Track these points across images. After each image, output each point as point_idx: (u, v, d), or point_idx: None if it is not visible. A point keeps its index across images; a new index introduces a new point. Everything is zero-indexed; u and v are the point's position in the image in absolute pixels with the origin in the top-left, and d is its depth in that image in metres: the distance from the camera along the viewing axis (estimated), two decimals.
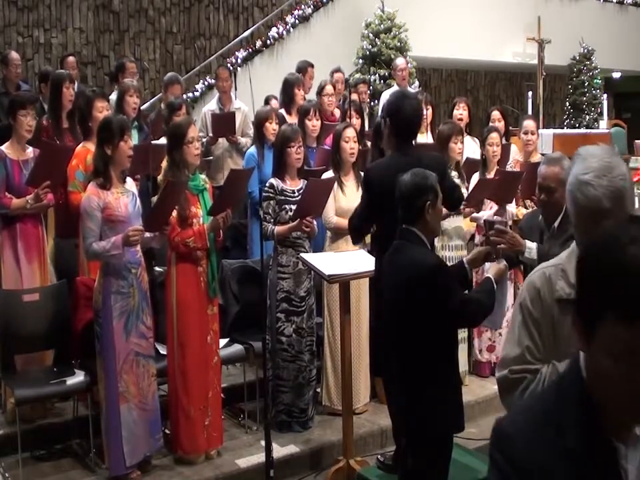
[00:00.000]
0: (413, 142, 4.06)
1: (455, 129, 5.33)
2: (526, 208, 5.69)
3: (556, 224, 3.42)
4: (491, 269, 3.33)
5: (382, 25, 9.85)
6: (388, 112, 3.93)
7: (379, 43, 9.75)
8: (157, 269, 4.77)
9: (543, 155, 6.55)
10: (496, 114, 6.27)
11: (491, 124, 6.11)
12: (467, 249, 5.58)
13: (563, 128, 12.35)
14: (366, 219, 3.99)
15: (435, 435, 3.12)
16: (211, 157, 6.24)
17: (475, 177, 5.51)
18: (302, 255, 4.42)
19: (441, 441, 3.17)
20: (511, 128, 6.54)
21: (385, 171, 3.69)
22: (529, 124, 5.91)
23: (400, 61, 7.89)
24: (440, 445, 3.16)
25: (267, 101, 6.97)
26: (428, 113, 6.07)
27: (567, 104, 13.02)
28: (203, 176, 4.42)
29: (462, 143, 5.48)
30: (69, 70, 6.70)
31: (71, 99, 5.26)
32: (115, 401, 3.96)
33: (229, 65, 8.78)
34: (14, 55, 7.02)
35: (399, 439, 3.80)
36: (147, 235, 4.04)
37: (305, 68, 7.12)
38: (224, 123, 6.29)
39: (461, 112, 6.16)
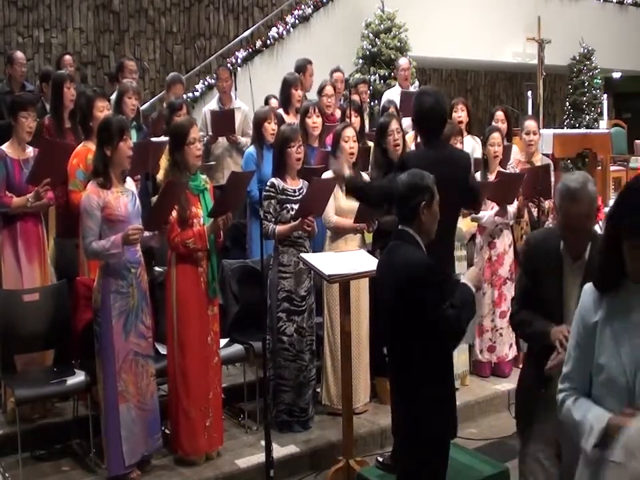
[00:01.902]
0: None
1: (455, 130, 5.33)
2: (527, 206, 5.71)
3: (586, 255, 2.90)
4: (467, 275, 3.24)
5: (382, 25, 9.85)
6: (412, 113, 4.05)
7: (378, 43, 9.75)
8: (156, 268, 4.77)
9: (544, 155, 6.56)
10: (500, 114, 6.26)
11: (494, 124, 6.11)
12: (466, 249, 5.60)
13: (563, 128, 12.36)
14: (389, 195, 3.97)
15: (430, 436, 3.12)
16: (213, 162, 6.23)
17: (476, 177, 5.52)
18: (302, 254, 4.42)
19: (436, 442, 3.16)
20: (513, 129, 6.52)
21: (420, 162, 3.70)
22: (530, 124, 5.91)
23: (403, 61, 7.89)
24: (435, 445, 3.15)
25: (266, 101, 6.98)
26: None
27: (567, 104, 13.03)
28: (203, 176, 4.41)
29: (461, 143, 5.49)
30: (67, 68, 6.70)
31: (72, 98, 5.28)
32: (114, 401, 3.96)
33: (229, 65, 8.78)
34: (19, 54, 7.01)
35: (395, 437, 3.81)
36: (146, 233, 4.04)
37: (303, 66, 7.12)
38: (223, 121, 6.29)
39: (459, 114, 6.15)
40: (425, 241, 3.16)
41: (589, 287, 2.25)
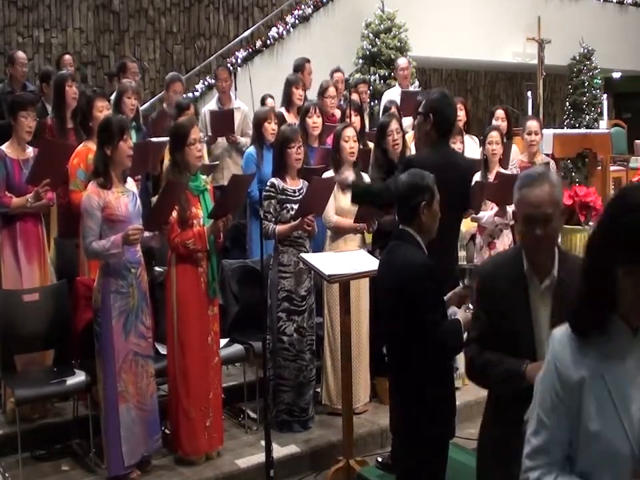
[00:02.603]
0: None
1: (454, 130, 5.32)
2: None
3: (555, 271, 2.46)
4: (460, 314, 3.18)
5: (382, 25, 9.85)
6: (432, 109, 3.99)
7: (378, 43, 9.75)
8: (157, 268, 4.77)
9: (546, 155, 6.56)
10: (500, 113, 6.26)
11: (494, 121, 6.10)
12: (466, 249, 5.59)
13: (563, 128, 12.35)
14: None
15: (430, 436, 3.12)
16: (217, 163, 6.22)
17: (476, 176, 5.51)
18: (302, 254, 4.42)
19: (436, 442, 3.16)
20: (513, 128, 6.52)
21: (427, 163, 3.71)
22: (532, 124, 5.89)
23: (402, 61, 7.89)
24: (434, 445, 3.15)
25: (262, 101, 6.97)
26: None
27: (567, 104, 13.02)
28: (204, 177, 4.41)
29: (461, 143, 5.49)
30: (66, 68, 6.70)
31: (75, 97, 5.30)
32: (114, 401, 3.96)
33: (229, 64, 8.78)
34: (20, 54, 7.01)
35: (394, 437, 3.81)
36: (147, 234, 4.04)
37: (301, 65, 7.14)
38: (223, 121, 6.30)
39: (458, 113, 6.14)
40: (425, 241, 3.16)
41: (560, 332, 1.77)
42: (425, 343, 3.01)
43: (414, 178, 3.14)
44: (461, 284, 3.25)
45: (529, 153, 5.91)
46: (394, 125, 4.93)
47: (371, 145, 5.66)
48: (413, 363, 3.09)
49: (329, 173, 4.87)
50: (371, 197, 4.24)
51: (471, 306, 3.28)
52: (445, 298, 3.24)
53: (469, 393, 5.29)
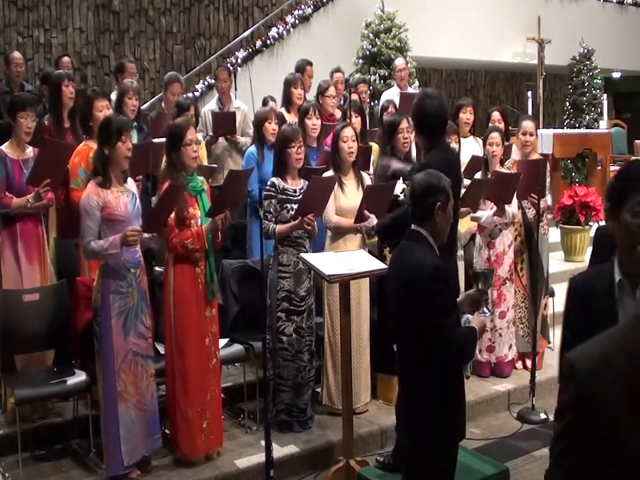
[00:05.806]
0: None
1: (450, 129, 5.32)
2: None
3: None
4: (475, 320, 3.15)
5: (382, 25, 9.85)
6: (412, 114, 4.01)
7: (378, 43, 9.75)
8: (156, 269, 4.77)
9: (542, 155, 6.55)
10: (496, 115, 6.24)
11: (490, 124, 6.10)
12: (466, 249, 5.59)
13: (563, 128, 12.36)
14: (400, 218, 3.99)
15: (438, 436, 3.10)
16: (215, 165, 6.21)
17: (477, 176, 5.51)
18: (302, 254, 4.42)
19: (444, 444, 3.14)
20: (510, 128, 6.52)
21: (439, 164, 3.70)
22: (527, 124, 5.85)
23: (399, 62, 7.89)
24: (443, 445, 3.13)
25: (264, 102, 6.97)
26: None
27: (567, 104, 13.02)
28: (201, 177, 4.40)
29: (456, 142, 5.50)
30: (65, 70, 6.70)
31: (71, 97, 5.28)
32: (114, 400, 3.95)
33: (229, 65, 8.78)
34: (15, 54, 7.05)
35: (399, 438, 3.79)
36: (146, 235, 4.04)
37: (303, 67, 7.14)
38: (224, 122, 6.29)
39: (467, 116, 6.16)
40: (437, 242, 3.12)
41: None
42: (433, 347, 2.98)
43: (430, 178, 3.11)
44: (474, 287, 3.23)
45: (523, 153, 5.85)
46: (404, 123, 4.94)
47: (372, 143, 5.67)
48: (421, 364, 3.07)
49: (329, 173, 4.87)
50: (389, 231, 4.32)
51: (486, 310, 3.24)
52: (457, 300, 3.22)
53: (469, 393, 5.27)
